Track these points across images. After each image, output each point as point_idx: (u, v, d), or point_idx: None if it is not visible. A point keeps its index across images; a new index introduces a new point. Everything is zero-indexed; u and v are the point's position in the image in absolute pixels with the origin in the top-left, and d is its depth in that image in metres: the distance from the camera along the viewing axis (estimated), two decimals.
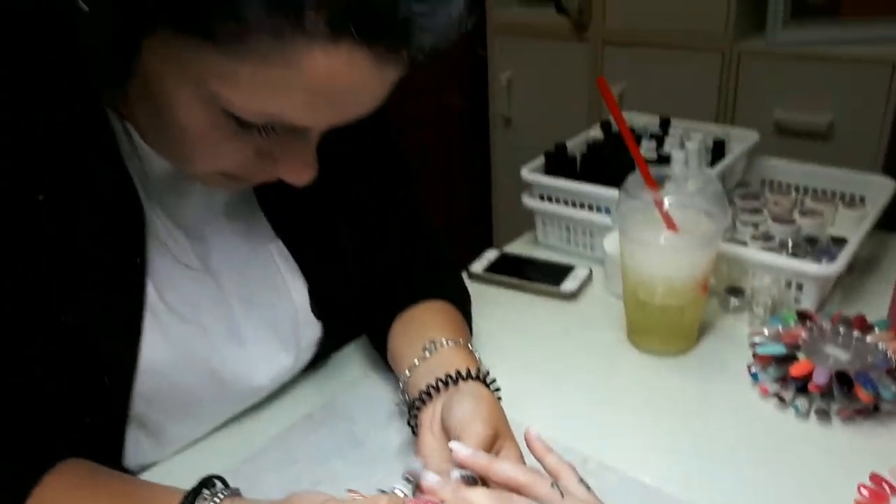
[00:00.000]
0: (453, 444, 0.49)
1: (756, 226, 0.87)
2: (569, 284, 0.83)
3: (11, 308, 0.48)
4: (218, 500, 0.47)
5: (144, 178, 0.53)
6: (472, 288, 0.78)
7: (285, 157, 0.48)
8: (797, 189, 0.96)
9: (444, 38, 0.42)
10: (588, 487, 0.49)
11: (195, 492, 0.48)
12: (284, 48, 0.39)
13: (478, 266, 0.88)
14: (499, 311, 0.81)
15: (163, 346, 0.54)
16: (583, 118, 1.84)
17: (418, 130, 1.99)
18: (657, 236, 0.67)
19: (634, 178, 0.69)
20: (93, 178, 0.49)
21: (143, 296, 0.53)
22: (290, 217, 0.62)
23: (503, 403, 0.56)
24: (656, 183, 0.68)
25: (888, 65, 1.46)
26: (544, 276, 0.85)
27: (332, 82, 0.41)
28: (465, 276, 0.87)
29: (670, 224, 0.67)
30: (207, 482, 0.49)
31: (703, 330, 0.75)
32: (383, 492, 0.46)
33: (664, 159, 0.89)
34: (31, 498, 0.47)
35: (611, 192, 0.83)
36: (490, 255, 0.90)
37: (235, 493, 0.49)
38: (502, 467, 0.48)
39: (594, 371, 0.71)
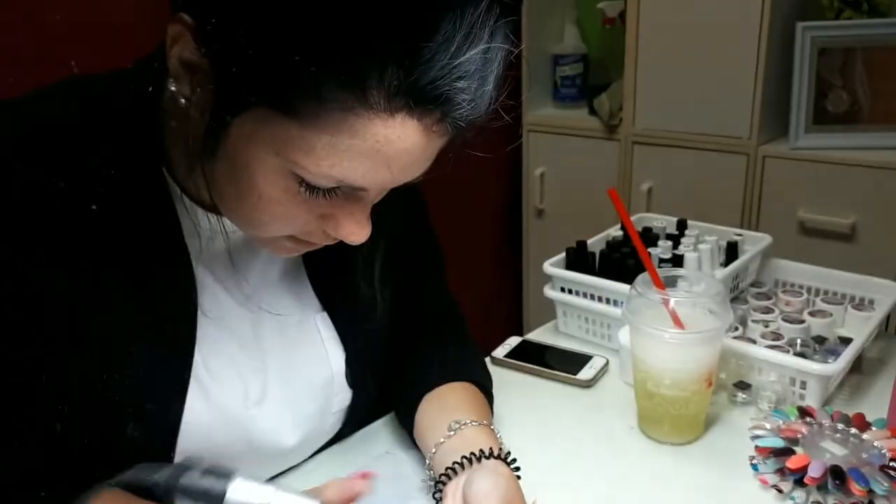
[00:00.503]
0: None
1: (766, 324, 0.92)
2: (585, 373, 0.88)
3: (72, 364, 0.55)
4: None
5: (207, 254, 0.61)
6: (494, 372, 0.84)
7: (344, 218, 0.56)
8: (809, 290, 1.01)
9: (480, 111, 0.50)
10: None
11: None
12: (352, 120, 0.48)
13: (500, 352, 0.94)
14: (518, 395, 0.87)
15: (203, 409, 0.61)
16: (611, 210, 1.92)
17: (459, 219, 2.09)
18: (664, 332, 0.72)
19: (644, 278, 0.76)
20: (154, 254, 0.57)
21: (191, 365, 0.60)
22: (336, 292, 0.70)
23: (525, 484, 0.62)
24: (664, 283, 0.75)
25: None
26: (563, 364, 0.91)
27: (389, 148, 0.49)
28: (488, 360, 0.93)
29: (676, 321, 0.73)
30: None
31: (710, 421, 0.79)
32: None
33: (678, 259, 0.95)
34: None
35: (625, 288, 0.88)
36: (512, 342, 0.96)
37: None
38: None
39: (605, 456, 0.76)
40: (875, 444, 0.68)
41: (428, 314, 0.80)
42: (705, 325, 0.72)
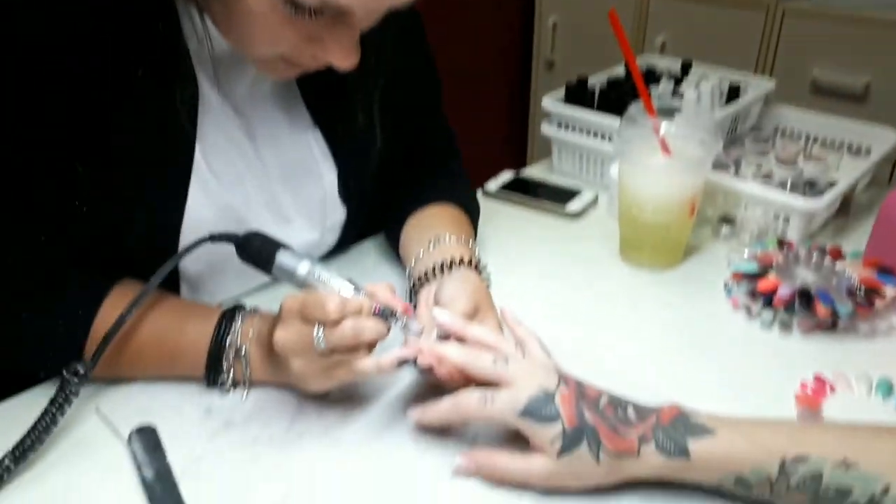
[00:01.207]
0: (435, 311, 0.58)
1: (760, 166, 0.92)
2: (574, 206, 0.90)
3: (73, 162, 0.57)
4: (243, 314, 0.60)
5: (204, 57, 0.61)
6: (487, 204, 0.86)
7: (332, 42, 0.55)
8: (808, 137, 1.00)
9: None
10: (548, 355, 0.57)
11: (233, 309, 0.60)
12: None
13: (493, 185, 0.95)
14: (507, 226, 0.89)
15: (206, 206, 0.63)
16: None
17: (467, 68, 2.04)
18: (652, 158, 0.73)
19: (637, 106, 0.75)
20: (154, 50, 0.57)
21: (192, 160, 0.62)
22: (328, 109, 0.70)
23: (503, 296, 0.65)
24: (657, 112, 0.74)
25: None
26: (552, 198, 0.92)
27: None
28: (480, 193, 0.95)
29: (665, 148, 0.73)
30: (238, 306, 0.61)
31: (691, 252, 0.81)
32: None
33: (679, 98, 0.94)
34: (108, 297, 0.59)
35: None
36: (506, 176, 0.97)
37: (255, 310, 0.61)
38: (474, 329, 0.56)
39: (585, 279, 0.78)
40: (846, 271, 0.70)
41: (421, 141, 0.80)
42: (693, 153, 0.73)
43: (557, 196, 0.92)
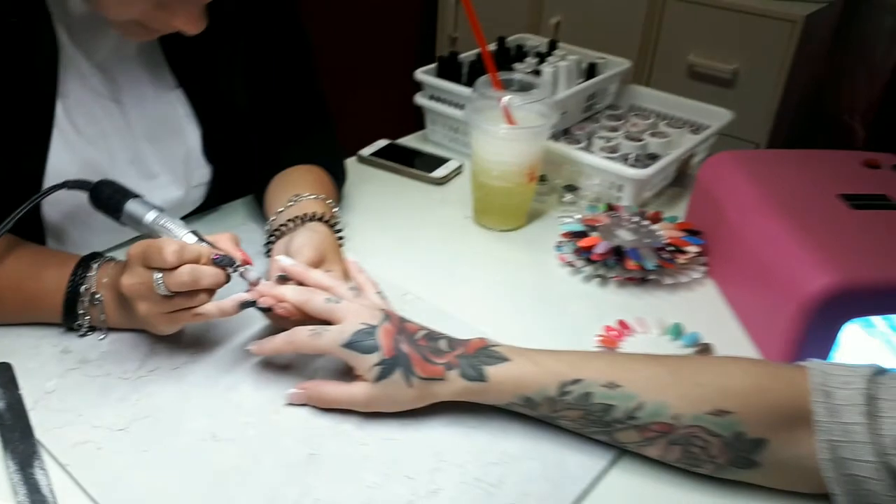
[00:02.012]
0: (278, 257, 0.64)
1: (609, 140, 1.01)
2: (439, 172, 0.97)
3: None
4: (99, 261, 0.64)
5: (65, 18, 0.65)
6: (359, 169, 0.92)
7: (180, 9, 0.60)
8: (658, 115, 1.10)
9: None
10: (384, 298, 0.64)
11: (89, 256, 0.65)
12: None
13: (366, 151, 1.01)
14: (377, 190, 0.95)
15: (69, 160, 0.67)
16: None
17: (369, 40, 2.08)
18: (497, 127, 0.80)
19: (485, 79, 0.82)
20: (12, 10, 0.60)
21: (53, 114, 0.65)
22: (192, 71, 0.74)
23: (365, 252, 0.73)
24: (504, 86, 0.82)
25: (791, 22, 1.59)
26: (421, 165, 0.99)
27: None
28: (354, 158, 1.00)
29: (509, 118, 0.81)
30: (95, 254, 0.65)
31: (538, 216, 0.90)
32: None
33: (538, 73, 1.02)
34: None
35: None
36: (380, 143, 1.03)
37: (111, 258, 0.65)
38: (313, 274, 0.63)
39: (441, 238, 0.86)
40: (659, 232, 0.80)
41: (290, 105, 0.85)
42: (530, 123, 0.81)
43: (426, 163, 0.99)
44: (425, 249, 0.83)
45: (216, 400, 0.60)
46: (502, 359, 0.57)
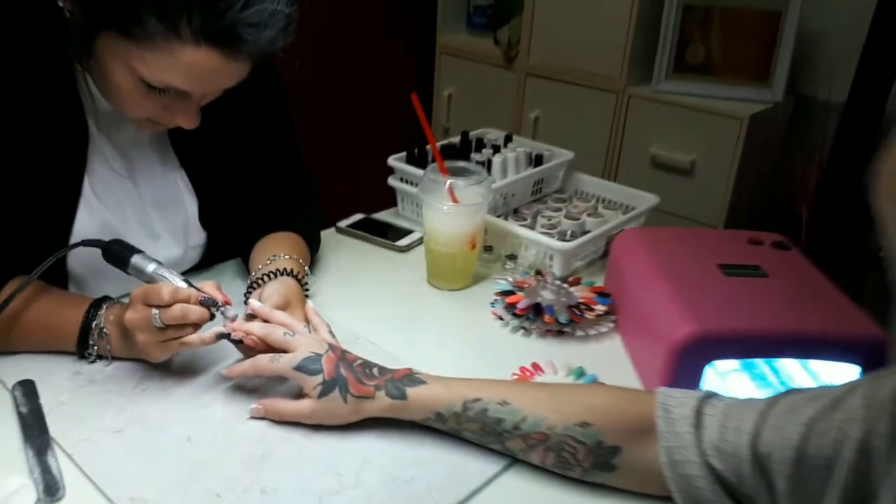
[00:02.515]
0: (251, 301, 0.81)
1: (551, 218, 1.18)
2: (402, 242, 1.14)
3: None
4: (108, 303, 0.80)
5: (95, 113, 0.84)
6: (337, 238, 1.09)
7: (179, 111, 0.79)
8: (598, 199, 1.27)
9: (270, 46, 0.73)
10: (333, 336, 0.80)
11: (100, 299, 0.81)
12: (171, 46, 0.70)
13: (344, 223, 1.19)
14: (350, 254, 1.12)
15: (90, 224, 0.85)
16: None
17: (368, 128, 2.30)
18: (442, 204, 0.97)
19: (434, 167, 1.00)
20: (55, 105, 0.79)
21: (81, 186, 0.84)
22: (191, 155, 0.93)
23: (333, 305, 0.91)
24: (448, 171, 1.00)
25: (738, 119, 1.79)
26: (388, 235, 1.16)
27: (197, 68, 0.72)
28: (333, 229, 1.18)
29: (452, 197, 0.98)
30: (105, 297, 0.81)
31: (482, 278, 1.06)
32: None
33: (489, 162, 1.20)
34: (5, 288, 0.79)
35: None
36: (356, 217, 1.21)
37: (117, 301, 0.81)
38: (276, 314, 0.79)
39: (397, 296, 1.02)
40: (575, 293, 0.95)
41: (276, 184, 1.04)
42: (474, 200, 0.98)
43: (393, 234, 1.16)
44: (383, 305, 0.99)
45: (194, 412, 0.75)
46: (421, 382, 0.72)
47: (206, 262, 1.02)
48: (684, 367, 0.77)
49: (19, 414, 0.73)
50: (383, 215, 1.26)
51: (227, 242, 1.02)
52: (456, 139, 1.31)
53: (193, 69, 0.72)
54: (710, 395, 0.67)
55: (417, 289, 1.04)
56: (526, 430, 0.69)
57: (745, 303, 0.82)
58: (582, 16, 1.95)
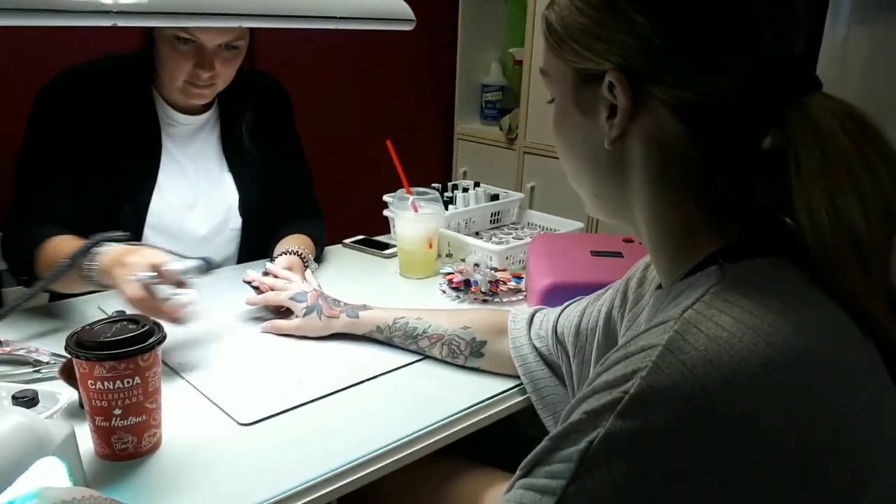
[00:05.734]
0: (267, 264, 1.24)
1: (500, 238, 1.58)
2: (387, 252, 1.56)
3: (84, 170, 1.25)
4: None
5: (169, 128, 1.32)
6: (343, 252, 1.53)
7: (200, 64, 1.23)
8: (542, 228, 1.66)
9: None
10: (319, 286, 1.21)
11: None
12: None
13: (349, 240, 1.62)
14: (350, 261, 1.54)
15: (160, 203, 1.32)
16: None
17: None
18: (408, 214, 1.40)
19: (402, 190, 1.43)
20: (139, 124, 1.28)
21: (156, 178, 1.31)
22: (235, 162, 1.40)
23: (334, 290, 1.31)
24: (412, 193, 1.43)
25: None
26: (381, 248, 1.58)
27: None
28: (340, 245, 1.61)
29: (415, 208, 1.40)
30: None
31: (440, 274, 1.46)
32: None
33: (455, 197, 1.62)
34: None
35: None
36: (358, 237, 1.64)
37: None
38: (280, 271, 1.21)
39: (382, 285, 1.42)
40: (497, 276, 1.34)
41: (295, 203, 1.49)
42: (429, 212, 1.40)
43: (384, 248, 1.59)
44: (368, 288, 1.40)
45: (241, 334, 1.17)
46: (368, 308, 1.12)
47: (240, 257, 1.47)
48: (547, 305, 1.14)
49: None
50: (381, 237, 1.69)
51: (256, 231, 1.46)
52: (439, 185, 1.75)
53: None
54: (541, 308, 1.05)
55: (394, 280, 1.45)
56: (430, 333, 1.07)
57: (595, 270, 1.19)
58: None
